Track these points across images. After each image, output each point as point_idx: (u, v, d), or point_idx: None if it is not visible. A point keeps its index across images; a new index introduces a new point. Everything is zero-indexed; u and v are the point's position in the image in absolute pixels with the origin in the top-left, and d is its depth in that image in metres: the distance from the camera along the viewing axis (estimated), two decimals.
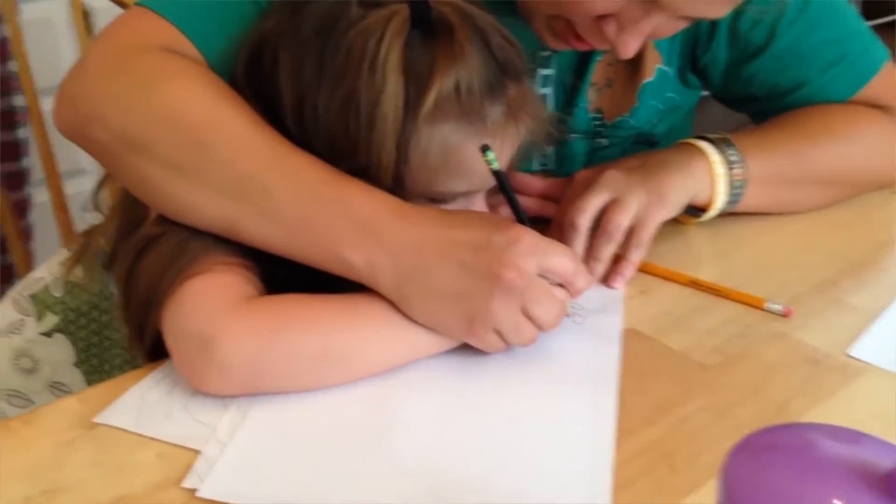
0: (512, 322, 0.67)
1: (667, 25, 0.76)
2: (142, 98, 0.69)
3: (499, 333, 0.67)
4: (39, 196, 1.61)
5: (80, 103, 0.72)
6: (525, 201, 0.90)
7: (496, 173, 0.70)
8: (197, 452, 0.62)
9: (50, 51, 1.67)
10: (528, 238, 0.66)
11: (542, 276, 0.67)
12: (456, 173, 0.72)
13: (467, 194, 0.75)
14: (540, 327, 0.68)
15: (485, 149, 0.68)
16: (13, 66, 1.47)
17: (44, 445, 0.63)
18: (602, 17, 0.74)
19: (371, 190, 0.68)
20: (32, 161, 1.56)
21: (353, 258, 0.66)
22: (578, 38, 0.78)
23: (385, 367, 0.68)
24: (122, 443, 0.63)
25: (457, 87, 0.67)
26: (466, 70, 0.67)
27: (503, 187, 0.71)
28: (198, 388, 0.66)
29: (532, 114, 0.75)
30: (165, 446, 0.63)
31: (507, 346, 0.68)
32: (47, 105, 1.09)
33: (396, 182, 0.69)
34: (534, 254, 0.66)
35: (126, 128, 0.69)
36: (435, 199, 0.73)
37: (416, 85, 0.67)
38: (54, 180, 1.24)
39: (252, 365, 0.64)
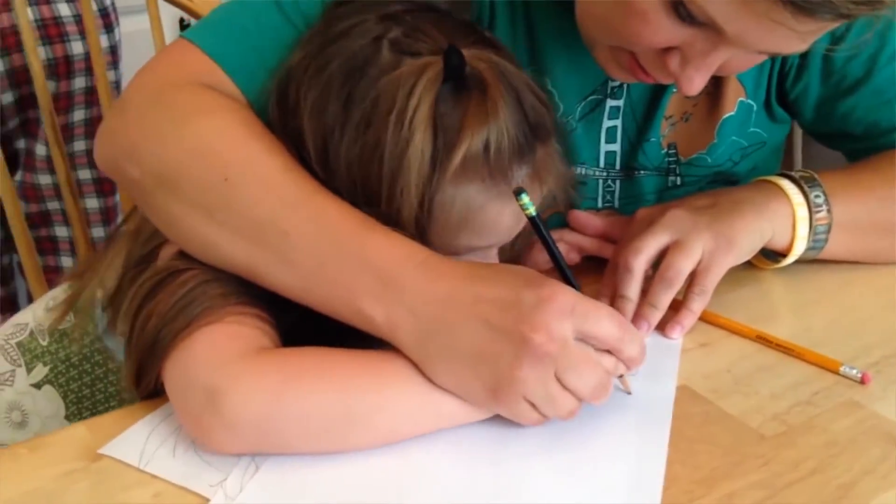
0: (543, 392, 0.59)
1: (738, 60, 0.69)
2: (172, 135, 0.67)
3: (531, 403, 0.60)
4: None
5: (116, 139, 0.71)
6: (583, 241, 0.85)
7: (532, 220, 0.64)
8: (197, 496, 0.59)
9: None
10: (564, 297, 0.59)
11: (583, 341, 0.60)
12: (477, 232, 0.69)
13: (484, 248, 0.72)
14: (579, 399, 0.61)
15: (519, 192, 0.63)
16: (112, 76, 1.52)
17: (44, 475, 0.61)
18: (666, 50, 0.68)
19: (397, 239, 0.63)
20: None
21: (373, 312, 0.61)
22: (645, 70, 0.72)
23: (407, 434, 0.62)
24: (122, 478, 0.60)
25: (486, 147, 0.64)
26: (497, 130, 0.64)
27: (541, 235, 0.65)
28: (204, 446, 0.61)
29: (556, 176, 0.71)
30: (165, 486, 0.60)
31: (544, 417, 0.62)
32: None
33: (417, 234, 0.65)
34: (569, 316, 0.59)
35: (156, 165, 0.67)
36: (451, 252, 0.69)
37: (444, 141, 0.63)
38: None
39: (262, 420, 0.60)
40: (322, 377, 0.61)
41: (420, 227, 0.65)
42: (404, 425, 0.62)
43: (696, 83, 0.69)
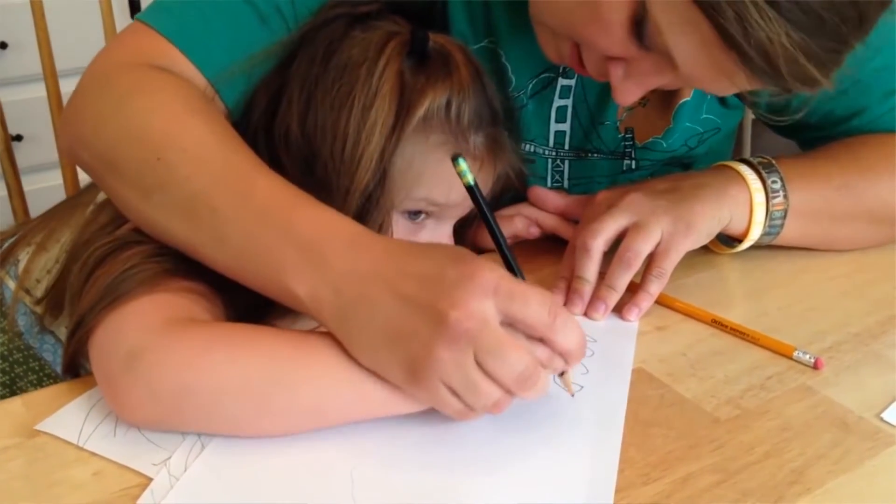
0: (462, 376, 0.54)
1: (674, 84, 0.71)
2: (112, 117, 0.67)
3: (452, 391, 0.56)
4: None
5: (70, 125, 0.71)
6: (542, 216, 0.85)
7: (469, 189, 0.62)
8: (139, 475, 0.56)
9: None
10: (487, 275, 0.54)
11: (510, 325, 0.55)
12: (435, 185, 0.72)
13: (440, 214, 0.74)
14: (504, 388, 0.55)
15: (456, 157, 0.61)
16: None
17: None
18: (612, 58, 0.68)
19: (327, 213, 0.61)
20: None
21: (297, 289, 0.59)
22: (581, 64, 0.72)
23: (333, 413, 0.59)
24: (60, 456, 0.58)
25: (448, 105, 0.70)
26: (459, 92, 0.70)
27: (477, 204, 0.62)
28: (121, 413, 0.59)
29: (511, 160, 0.77)
30: (106, 464, 0.57)
31: (471, 410, 0.57)
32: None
33: (376, 184, 0.68)
34: (492, 294, 0.54)
35: (100, 148, 0.67)
36: (409, 210, 0.72)
37: (409, 95, 0.68)
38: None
39: (181, 383, 0.57)
40: (248, 344, 0.59)
41: (381, 176, 0.68)
42: (329, 401, 0.59)
43: (630, 96, 0.70)
